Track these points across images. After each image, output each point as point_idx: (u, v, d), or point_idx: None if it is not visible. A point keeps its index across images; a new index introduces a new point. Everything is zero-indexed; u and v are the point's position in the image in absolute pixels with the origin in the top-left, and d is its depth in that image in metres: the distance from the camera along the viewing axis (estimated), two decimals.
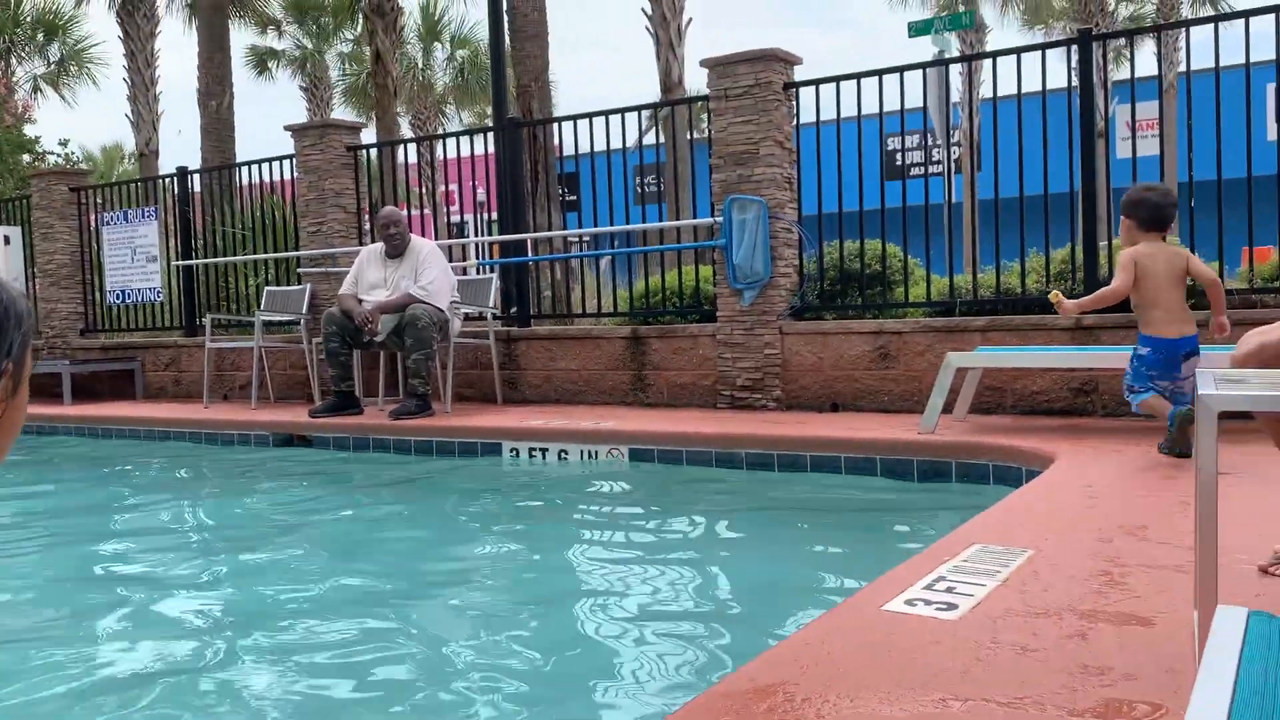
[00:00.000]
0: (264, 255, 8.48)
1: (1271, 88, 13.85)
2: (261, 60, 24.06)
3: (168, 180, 9.24)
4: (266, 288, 8.15)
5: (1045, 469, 3.83)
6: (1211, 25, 5.36)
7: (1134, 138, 5.50)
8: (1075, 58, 5.55)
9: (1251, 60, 5.08)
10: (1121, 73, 20.38)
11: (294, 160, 8.05)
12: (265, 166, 8.35)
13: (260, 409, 7.20)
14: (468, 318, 7.11)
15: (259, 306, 7.93)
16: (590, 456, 5.26)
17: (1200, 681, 0.70)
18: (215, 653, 2.69)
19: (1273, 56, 4.98)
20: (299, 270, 8.06)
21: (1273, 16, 4.93)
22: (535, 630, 2.86)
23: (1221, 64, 5.13)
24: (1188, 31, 5.55)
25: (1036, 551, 2.56)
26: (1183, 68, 12.83)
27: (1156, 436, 4.42)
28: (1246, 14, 5.14)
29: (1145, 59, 23.31)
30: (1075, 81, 5.57)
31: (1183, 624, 1.96)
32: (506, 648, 2.67)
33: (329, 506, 4.88)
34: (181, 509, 5.03)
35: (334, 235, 7.85)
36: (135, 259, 8.98)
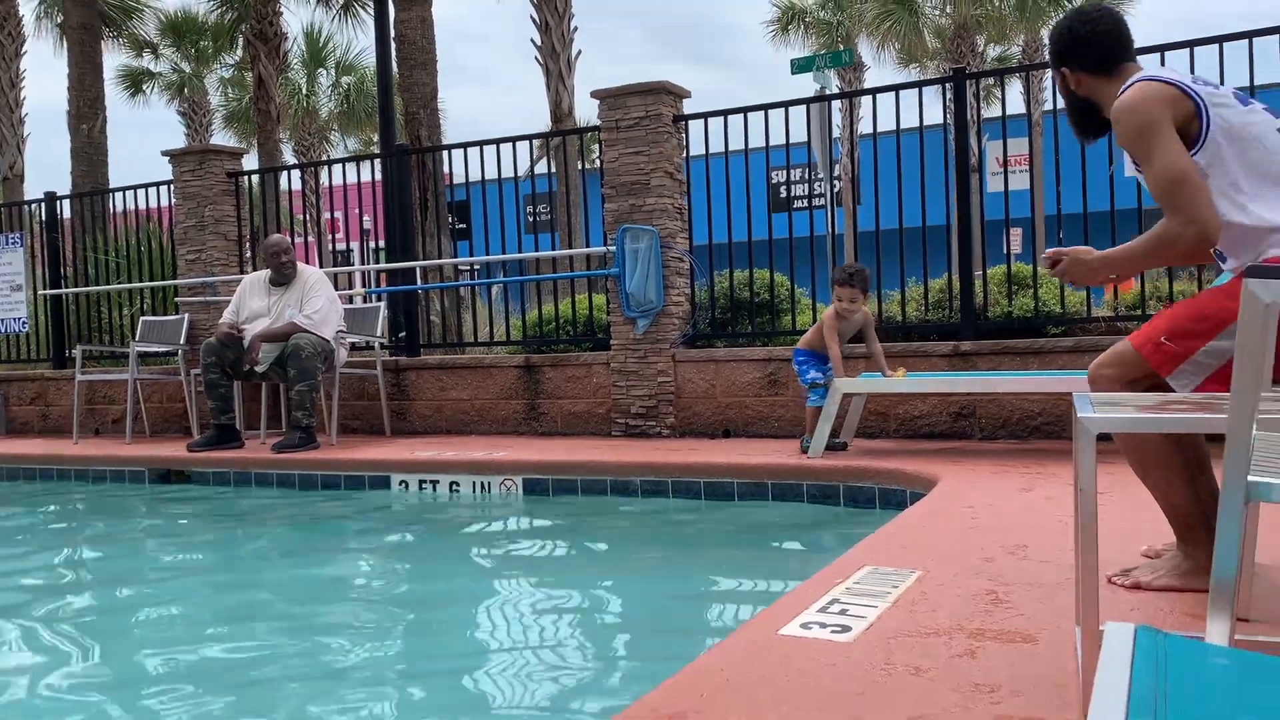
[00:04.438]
0: (139, 284, 8.17)
1: None
2: (136, 81, 23.21)
3: (34, 206, 8.83)
4: (142, 317, 7.85)
5: (929, 491, 3.93)
6: None
7: (1005, 172, 5.75)
8: (950, 95, 5.78)
9: None
10: (992, 110, 21.32)
11: (172, 186, 7.80)
12: (141, 192, 8.06)
13: (135, 443, 6.91)
14: (354, 347, 6.97)
15: (134, 337, 7.63)
16: (483, 488, 5.20)
17: (1095, 700, 0.73)
18: (78, 693, 2.55)
19: None
20: (176, 300, 7.78)
21: None
22: (424, 665, 2.80)
23: None
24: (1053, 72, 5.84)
25: (924, 572, 2.62)
26: (1049, 106, 13.43)
27: (1031, 459, 4.60)
28: None
29: (1015, 98, 24.43)
30: (950, 118, 5.79)
31: (1065, 640, 2.04)
32: (393, 683, 2.60)
33: (205, 544, 4.70)
34: (45, 550, 4.77)
35: (214, 263, 7.62)
36: None
